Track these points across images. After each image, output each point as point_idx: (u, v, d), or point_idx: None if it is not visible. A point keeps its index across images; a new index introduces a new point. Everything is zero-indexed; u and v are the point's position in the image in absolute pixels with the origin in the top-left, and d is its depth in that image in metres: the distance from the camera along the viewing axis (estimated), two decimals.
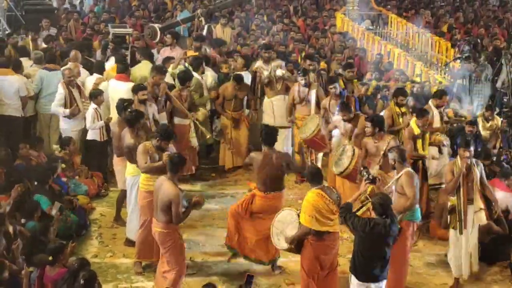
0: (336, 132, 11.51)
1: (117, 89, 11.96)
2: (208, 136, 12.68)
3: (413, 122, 10.92)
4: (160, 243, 8.63)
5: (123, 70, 12.44)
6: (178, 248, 8.63)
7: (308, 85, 12.43)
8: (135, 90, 11.21)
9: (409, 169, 9.00)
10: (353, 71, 12.89)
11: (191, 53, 14.13)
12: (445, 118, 12.10)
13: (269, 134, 9.52)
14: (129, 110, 10.15)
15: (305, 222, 8.17)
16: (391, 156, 8.93)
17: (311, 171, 8.56)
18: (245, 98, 13.18)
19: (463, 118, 13.00)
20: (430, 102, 11.89)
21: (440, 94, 12.01)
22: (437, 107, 11.74)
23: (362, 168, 8.72)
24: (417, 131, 10.84)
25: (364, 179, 8.52)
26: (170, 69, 13.16)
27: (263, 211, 9.44)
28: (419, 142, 10.88)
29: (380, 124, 10.19)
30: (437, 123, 11.68)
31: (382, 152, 10.01)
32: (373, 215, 8.01)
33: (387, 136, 10.17)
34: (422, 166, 10.94)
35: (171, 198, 8.27)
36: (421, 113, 10.93)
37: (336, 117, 11.39)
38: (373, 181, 8.59)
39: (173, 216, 8.34)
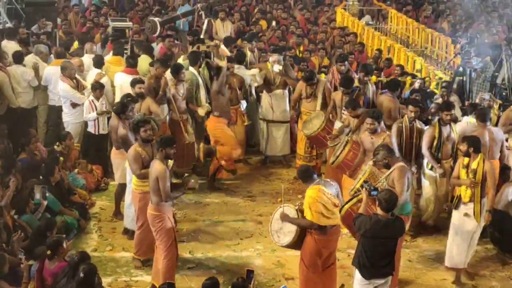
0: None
1: (128, 82, 11.94)
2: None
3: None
4: (151, 225, 8.81)
5: (133, 64, 12.51)
6: (167, 230, 8.73)
7: (316, 83, 12.40)
8: (132, 83, 11.38)
9: (402, 163, 8.98)
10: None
11: (203, 47, 14.11)
12: None
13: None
14: (117, 102, 10.17)
15: (313, 218, 8.11)
16: (380, 156, 8.85)
17: (301, 170, 8.57)
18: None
19: None
20: None
21: None
22: None
23: (364, 183, 8.62)
24: None
25: (366, 191, 8.28)
26: (180, 61, 13.20)
27: None
28: None
29: (381, 117, 10.18)
30: None
31: None
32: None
33: (383, 133, 10.11)
34: None
35: (158, 174, 8.47)
36: (447, 106, 10.64)
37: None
38: (375, 190, 8.31)
39: (161, 191, 8.51)
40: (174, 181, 8.92)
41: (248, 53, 14.06)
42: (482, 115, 10.53)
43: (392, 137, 10.20)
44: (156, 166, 8.58)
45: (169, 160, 8.97)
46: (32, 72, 12.57)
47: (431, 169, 10.50)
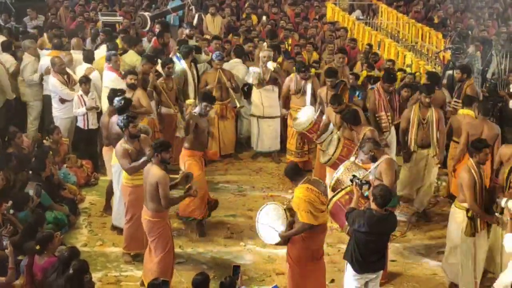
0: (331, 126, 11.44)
1: (104, 78, 12.08)
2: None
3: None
4: (148, 232, 8.61)
5: (107, 59, 12.35)
6: (165, 237, 8.59)
7: (307, 78, 12.36)
8: (125, 74, 11.33)
9: (389, 156, 8.95)
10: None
11: (192, 42, 14.11)
12: None
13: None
14: (117, 98, 10.09)
15: (303, 219, 8.02)
16: (366, 149, 8.81)
17: (290, 168, 8.47)
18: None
19: None
20: None
21: None
22: None
23: (352, 176, 8.56)
24: None
25: (356, 185, 8.15)
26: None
27: None
28: None
29: (351, 119, 10.03)
30: None
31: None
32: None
33: (365, 128, 10.07)
34: None
35: (158, 180, 8.26)
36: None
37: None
38: (366, 184, 8.18)
39: (161, 198, 8.30)
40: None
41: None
42: (485, 109, 10.44)
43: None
44: (155, 172, 8.34)
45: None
46: (14, 60, 12.55)
47: None
